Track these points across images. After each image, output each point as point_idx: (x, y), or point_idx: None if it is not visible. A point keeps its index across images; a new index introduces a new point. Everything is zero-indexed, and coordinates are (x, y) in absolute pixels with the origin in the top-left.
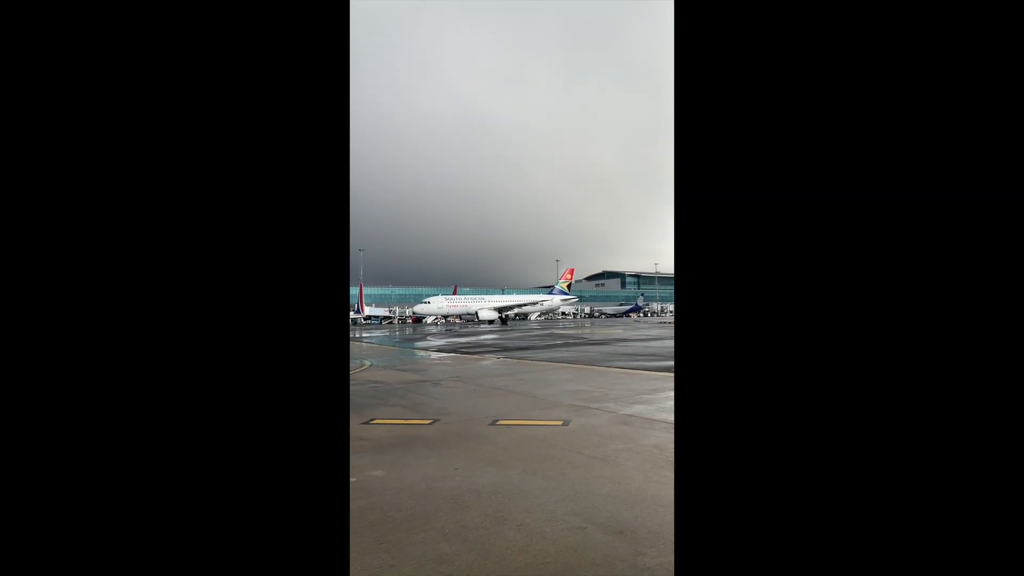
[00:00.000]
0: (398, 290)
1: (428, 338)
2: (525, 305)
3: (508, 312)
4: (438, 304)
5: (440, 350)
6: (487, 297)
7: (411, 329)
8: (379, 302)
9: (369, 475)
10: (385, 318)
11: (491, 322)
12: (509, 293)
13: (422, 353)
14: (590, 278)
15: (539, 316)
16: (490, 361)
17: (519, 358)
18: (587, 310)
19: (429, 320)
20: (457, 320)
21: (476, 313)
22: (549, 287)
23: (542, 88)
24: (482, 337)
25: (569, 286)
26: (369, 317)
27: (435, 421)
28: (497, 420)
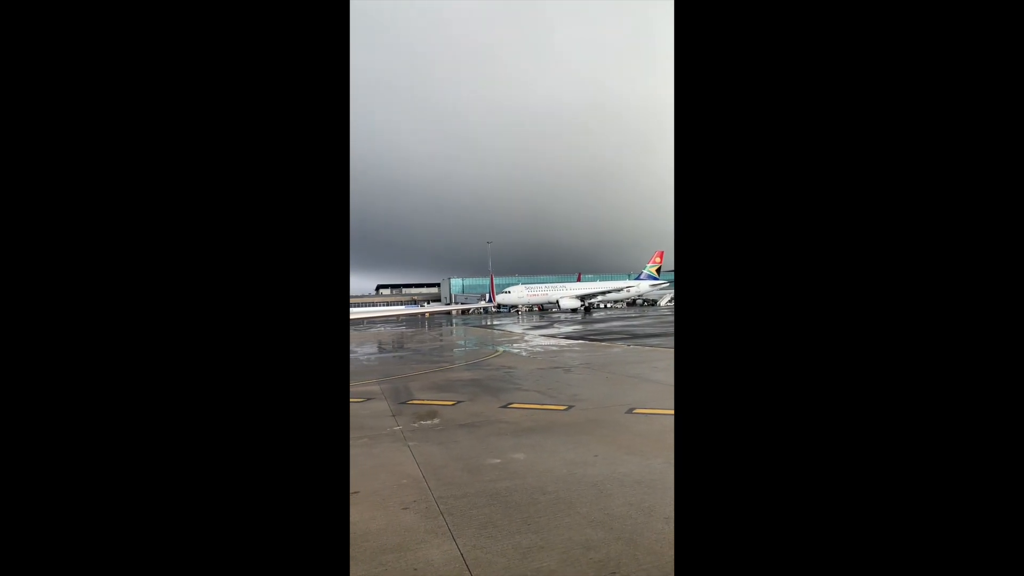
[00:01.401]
0: (524, 279)
1: (556, 325)
2: (609, 292)
3: (591, 300)
4: (518, 293)
5: (568, 337)
6: (568, 285)
7: (538, 317)
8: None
9: (511, 457)
10: (512, 306)
11: (574, 311)
12: (642, 279)
13: (551, 340)
14: None
15: (669, 302)
16: (620, 348)
17: (651, 346)
18: None
19: (554, 309)
20: (588, 305)
21: (557, 302)
22: (639, 273)
23: (669, 53)
24: (611, 324)
25: (658, 270)
26: (499, 306)
27: (570, 407)
28: (633, 408)
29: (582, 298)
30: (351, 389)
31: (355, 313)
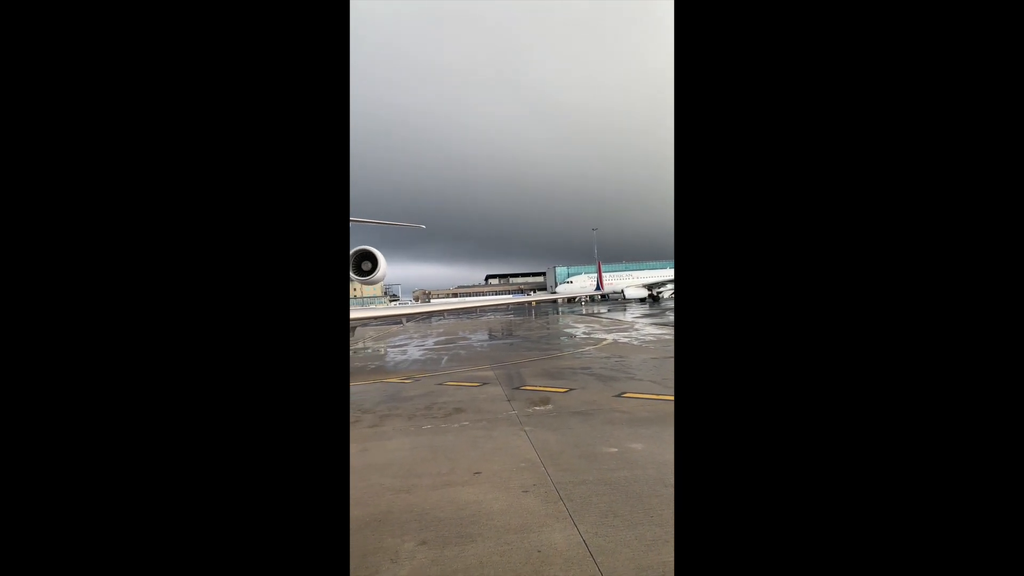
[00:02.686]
0: (632, 266)
1: (666, 314)
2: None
3: (660, 289)
4: (581, 283)
5: None
6: (635, 273)
7: (648, 306)
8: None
9: (629, 447)
10: (616, 293)
11: (641, 300)
12: None
13: (662, 329)
14: None
15: None
16: None
17: None
18: None
19: (620, 299)
20: (657, 295)
21: (623, 292)
22: None
23: None
24: None
25: None
26: (605, 295)
27: None
28: None
29: (649, 287)
30: (467, 373)
31: (467, 303)
